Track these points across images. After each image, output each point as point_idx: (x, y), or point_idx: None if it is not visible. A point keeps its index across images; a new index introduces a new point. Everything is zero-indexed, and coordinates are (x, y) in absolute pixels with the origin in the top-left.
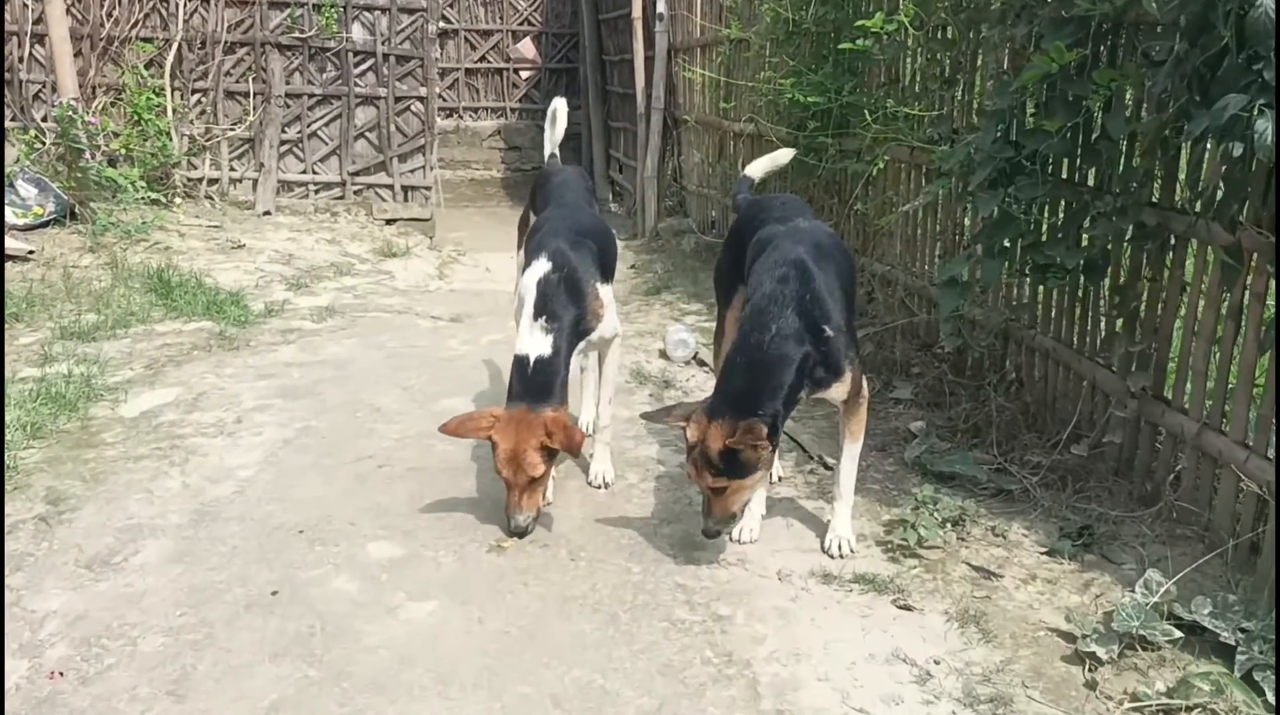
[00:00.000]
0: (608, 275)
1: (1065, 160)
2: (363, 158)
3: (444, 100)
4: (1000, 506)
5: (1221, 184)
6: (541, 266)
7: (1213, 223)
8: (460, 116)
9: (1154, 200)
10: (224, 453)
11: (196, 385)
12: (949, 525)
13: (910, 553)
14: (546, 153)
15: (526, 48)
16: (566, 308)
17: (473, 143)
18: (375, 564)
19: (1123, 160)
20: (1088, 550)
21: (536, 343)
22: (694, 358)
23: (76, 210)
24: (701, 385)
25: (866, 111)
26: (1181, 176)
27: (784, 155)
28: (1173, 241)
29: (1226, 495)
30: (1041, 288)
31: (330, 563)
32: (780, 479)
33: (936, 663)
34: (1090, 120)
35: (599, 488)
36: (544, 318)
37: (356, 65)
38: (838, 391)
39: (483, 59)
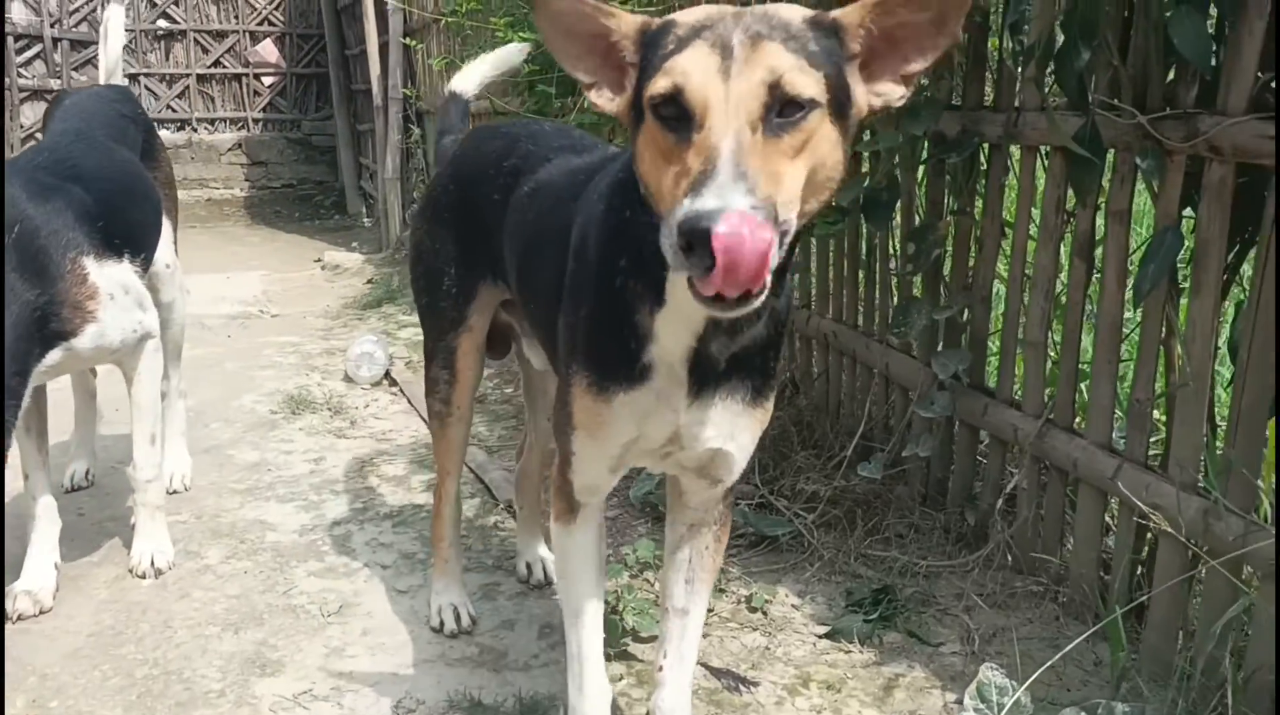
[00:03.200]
0: (120, 247)
1: None
2: None
3: (173, 111)
4: (762, 561)
5: (1060, 25)
6: None
7: (1045, 109)
8: (194, 129)
9: (956, 102)
10: None
11: None
12: None
13: (617, 652)
14: (101, 81)
15: (268, 50)
16: (14, 293)
17: (209, 158)
18: None
19: None
20: (887, 625)
21: None
22: (385, 377)
23: None
24: (380, 413)
25: None
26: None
27: (514, 52)
28: (985, 154)
29: (1088, 527)
30: (813, 244)
31: None
32: None
33: None
34: None
35: (142, 577)
36: None
37: (20, 52)
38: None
39: (217, 63)
